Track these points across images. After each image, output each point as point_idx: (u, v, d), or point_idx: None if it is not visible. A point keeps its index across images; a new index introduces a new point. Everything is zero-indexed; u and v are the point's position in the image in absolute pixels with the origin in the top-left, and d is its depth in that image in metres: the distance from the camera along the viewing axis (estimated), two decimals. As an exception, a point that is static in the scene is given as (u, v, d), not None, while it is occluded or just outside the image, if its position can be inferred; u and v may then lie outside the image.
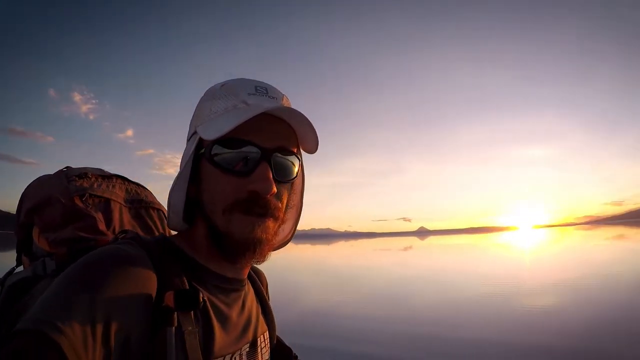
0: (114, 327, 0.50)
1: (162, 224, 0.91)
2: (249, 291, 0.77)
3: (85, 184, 0.79)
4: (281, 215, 0.67)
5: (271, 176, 0.62)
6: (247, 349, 0.70)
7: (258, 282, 0.84)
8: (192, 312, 0.58)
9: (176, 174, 0.67)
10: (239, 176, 0.62)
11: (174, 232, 0.74)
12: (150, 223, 0.88)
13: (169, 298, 0.55)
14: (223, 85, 0.67)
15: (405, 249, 44.23)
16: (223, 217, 0.62)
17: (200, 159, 0.65)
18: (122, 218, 0.82)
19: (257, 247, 0.63)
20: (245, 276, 0.74)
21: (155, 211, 0.92)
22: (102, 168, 0.90)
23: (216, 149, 0.62)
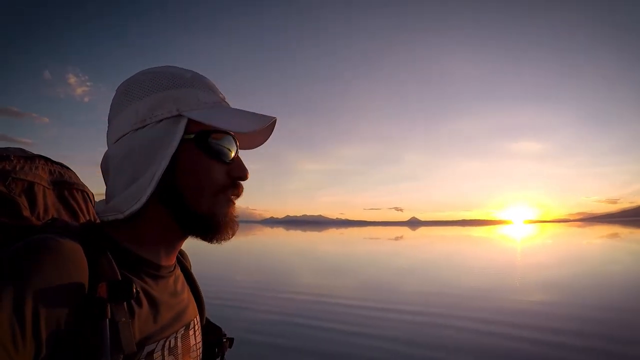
0: (44, 321, 0.49)
1: (86, 206, 0.86)
2: (179, 275, 0.78)
3: (7, 167, 0.73)
4: None
5: None
6: (182, 332, 0.71)
7: (184, 263, 0.85)
8: (125, 302, 0.58)
9: (122, 150, 0.67)
10: (225, 164, 0.68)
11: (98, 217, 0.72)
12: (75, 205, 0.83)
13: (102, 289, 0.55)
14: (190, 75, 0.70)
15: (396, 238, 44.48)
16: (209, 201, 0.66)
17: (181, 144, 0.66)
18: (47, 202, 0.77)
19: (234, 227, 0.69)
20: (174, 261, 0.75)
21: (80, 192, 0.86)
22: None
23: (214, 139, 0.67)
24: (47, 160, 0.84)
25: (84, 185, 0.88)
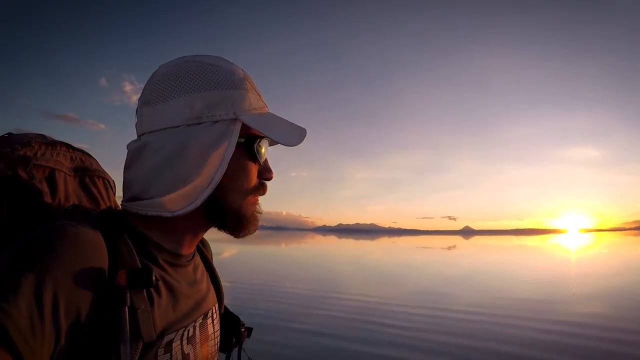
0: (63, 309, 0.49)
1: (107, 193, 0.84)
2: (199, 263, 0.79)
3: (28, 153, 0.71)
4: None
5: None
6: (201, 321, 0.72)
7: (205, 252, 0.86)
8: (144, 290, 0.58)
9: (171, 144, 0.63)
10: (257, 165, 0.70)
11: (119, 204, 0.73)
12: (96, 192, 0.81)
13: (122, 277, 0.55)
14: (242, 75, 0.69)
15: (449, 248, 44.31)
16: (242, 199, 0.68)
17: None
18: (67, 188, 0.75)
19: (257, 223, 0.72)
20: (194, 250, 0.76)
21: (101, 179, 0.84)
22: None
23: (259, 143, 0.69)
24: (68, 146, 0.81)
25: (105, 172, 0.87)
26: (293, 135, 0.69)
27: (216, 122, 0.64)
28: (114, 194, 0.87)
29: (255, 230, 0.72)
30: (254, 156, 0.69)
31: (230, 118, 0.65)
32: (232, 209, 0.68)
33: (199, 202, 0.63)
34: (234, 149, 0.64)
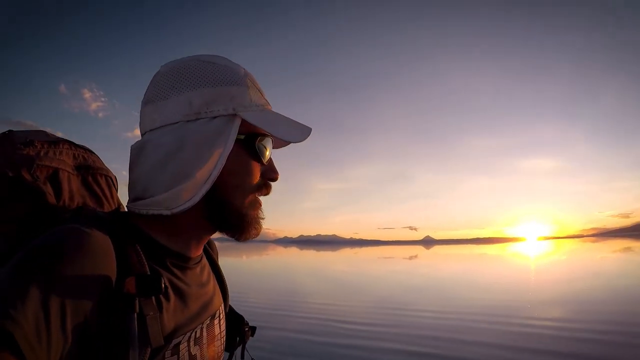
0: (70, 315, 0.49)
1: (110, 192, 0.85)
2: (205, 264, 0.79)
3: (31, 153, 0.71)
4: None
5: None
6: (208, 322, 0.72)
7: (210, 252, 0.86)
8: (153, 297, 0.57)
9: (170, 141, 0.62)
10: (261, 164, 0.69)
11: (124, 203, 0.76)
12: (99, 191, 0.82)
13: (130, 284, 0.55)
14: (244, 73, 0.69)
15: (410, 257, 44.47)
16: (243, 198, 0.67)
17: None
18: (72, 188, 0.75)
19: (259, 227, 0.70)
20: (201, 252, 0.76)
21: (103, 177, 0.84)
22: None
23: (261, 141, 0.68)
24: (70, 144, 0.80)
25: (107, 170, 0.86)
26: (296, 132, 0.68)
27: (215, 117, 0.64)
28: (117, 190, 0.87)
29: (257, 235, 0.70)
30: (255, 154, 0.67)
31: (229, 114, 0.65)
32: (232, 208, 0.66)
33: (197, 198, 0.62)
34: (232, 144, 0.64)
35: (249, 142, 0.67)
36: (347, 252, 69.30)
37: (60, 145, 0.77)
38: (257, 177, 0.68)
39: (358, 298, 11.38)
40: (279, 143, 0.76)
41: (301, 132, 0.68)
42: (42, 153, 0.72)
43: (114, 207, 0.83)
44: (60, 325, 0.48)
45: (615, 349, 5.77)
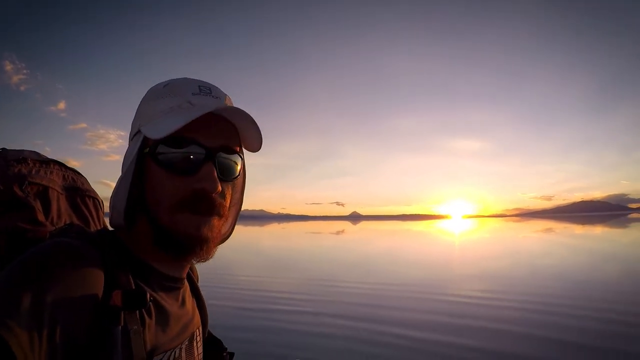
0: (59, 325, 0.50)
1: (97, 213, 0.88)
2: (186, 286, 0.78)
3: (24, 170, 0.75)
4: (225, 212, 0.69)
5: (216, 175, 0.64)
6: (186, 343, 0.71)
7: (191, 275, 0.84)
8: (137, 311, 0.59)
9: (120, 174, 0.67)
10: (184, 175, 0.63)
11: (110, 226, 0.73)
12: (86, 212, 0.85)
13: (117, 297, 0.56)
14: (167, 84, 0.68)
15: (338, 232, 44.73)
16: (168, 216, 0.62)
17: (144, 158, 0.65)
18: (60, 207, 0.79)
19: (203, 246, 0.64)
20: (185, 274, 0.75)
21: (91, 200, 0.88)
22: (36, 147, 0.87)
23: (161, 149, 0.63)
24: (61, 165, 0.84)
25: (95, 192, 0.89)
26: (167, 124, 0.61)
27: (134, 136, 0.68)
28: (103, 212, 0.90)
29: (205, 254, 0.66)
30: (163, 164, 0.63)
31: (136, 132, 0.68)
32: (161, 227, 0.63)
33: (122, 213, 0.65)
34: (135, 160, 0.64)
35: (153, 153, 0.64)
36: (274, 227, 68.96)
37: (51, 165, 0.83)
38: (174, 190, 0.62)
39: (285, 273, 11.66)
40: (251, 142, 0.71)
41: (176, 121, 0.60)
42: (33, 171, 0.77)
43: (100, 228, 0.84)
44: (51, 337, 0.49)
45: (531, 314, 6.30)
